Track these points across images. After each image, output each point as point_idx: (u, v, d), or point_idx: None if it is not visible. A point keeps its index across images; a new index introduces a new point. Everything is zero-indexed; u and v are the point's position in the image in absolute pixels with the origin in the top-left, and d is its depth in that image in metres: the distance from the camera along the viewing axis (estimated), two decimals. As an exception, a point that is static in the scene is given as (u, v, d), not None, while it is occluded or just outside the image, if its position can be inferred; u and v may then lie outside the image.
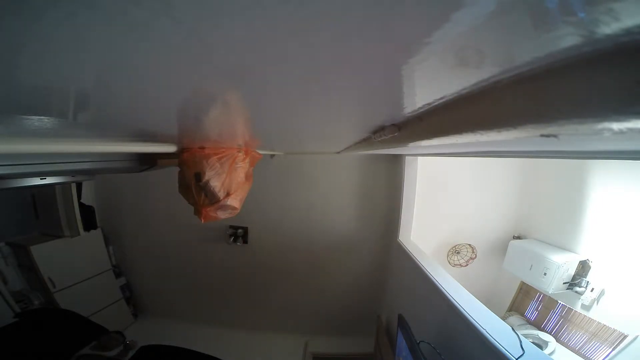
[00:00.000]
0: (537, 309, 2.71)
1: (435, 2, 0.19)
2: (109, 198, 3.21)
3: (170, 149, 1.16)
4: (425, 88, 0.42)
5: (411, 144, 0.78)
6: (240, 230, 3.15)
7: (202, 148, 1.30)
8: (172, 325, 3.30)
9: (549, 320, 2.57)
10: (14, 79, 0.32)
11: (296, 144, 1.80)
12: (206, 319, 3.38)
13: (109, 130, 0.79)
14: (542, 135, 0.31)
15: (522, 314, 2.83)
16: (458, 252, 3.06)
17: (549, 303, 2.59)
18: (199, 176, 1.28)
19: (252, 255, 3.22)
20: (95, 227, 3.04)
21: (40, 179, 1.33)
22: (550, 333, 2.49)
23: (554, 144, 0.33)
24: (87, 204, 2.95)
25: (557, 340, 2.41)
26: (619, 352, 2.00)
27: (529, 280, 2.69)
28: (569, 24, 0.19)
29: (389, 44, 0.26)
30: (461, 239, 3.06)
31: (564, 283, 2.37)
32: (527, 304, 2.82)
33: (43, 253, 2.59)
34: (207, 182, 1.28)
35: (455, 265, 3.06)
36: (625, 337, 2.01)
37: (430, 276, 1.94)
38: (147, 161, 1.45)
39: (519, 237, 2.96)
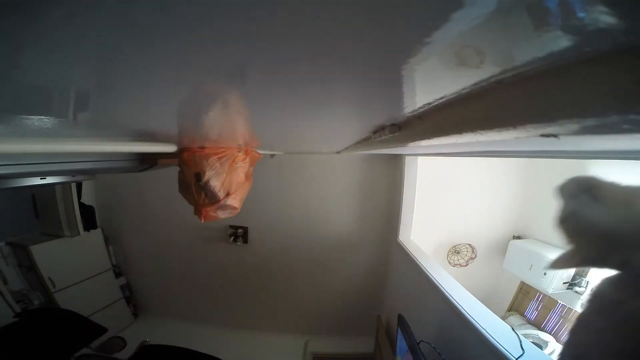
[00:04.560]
0: (537, 309, 2.71)
1: (435, 2, 0.19)
2: (109, 198, 3.21)
3: (170, 148, 1.16)
4: (426, 88, 0.42)
5: (411, 144, 0.78)
6: (240, 230, 3.15)
7: (202, 148, 1.30)
8: (172, 325, 3.29)
9: (549, 320, 2.57)
10: (13, 79, 0.32)
11: (296, 143, 1.80)
12: (206, 319, 3.38)
13: (109, 130, 0.79)
14: (542, 135, 0.31)
15: (522, 314, 2.83)
16: (458, 252, 3.06)
17: (549, 303, 2.59)
18: (199, 176, 1.28)
19: (252, 255, 3.22)
20: (95, 227, 3.04)
21: (40, 179, 1.33)
22: (550, 333, 2.49)
23: (554, 144, 0.33)
24: (87, 204, 2.95)
25: (557, 340, 2.41)
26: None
27: (529, 280, 2.69)
28: (569, 24, 0.19)
29: (389, 43, 0.26)
30: (461, 239, 3.06)
31: (563, 283, 2.37)
32: (527, 304, 2.82)
33: (43, 253, 2.59)
34: (207, 182, 1.28)
35: (455, 265, 3.06)
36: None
37: (430, 276, 1.93)
38: (147, 161, 1.45)
39: (519, 237, 2.96)
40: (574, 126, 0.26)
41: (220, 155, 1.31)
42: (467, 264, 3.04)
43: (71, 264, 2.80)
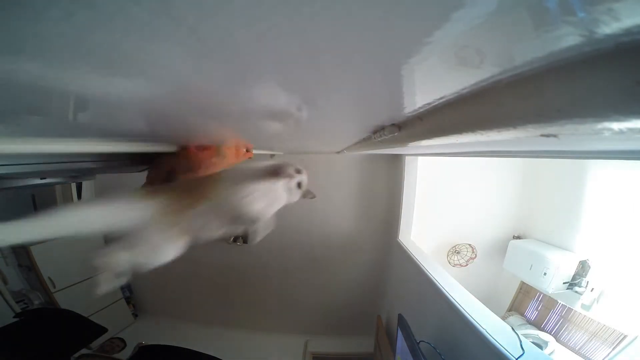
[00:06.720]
0: (537, 309, 2.71)
1: (435, 1, 0.19)
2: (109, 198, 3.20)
3: (170, 148, 1.17)
4: (425, 88, 0.42)
5: (411, 144, 0.78)
6: (240, 230, 3.15)
7: (202, 148, 1.30)
8: (172, 325, 3.30)
9: (548, 320, 2.57)
10: (13, 79, 0.32)
11: (296, 144, 1.80)
12: (206, 319, 3.38)
13: (109, 130, 0.79)
14: (542, 135, 0.31)
15: (522, 314, 2.83)
16: (458, 252, 3.06)
17: (549, 303, 2.59)
18: (199, 176, 1.28)
19: (252, 255, 3.22)
20: (95, 227, 3.03)
21: (40, 178, 1.33)
22: (550, 333, 2.49)
23: (554, 144, 0.33)
24: (87, 204, 2.94)
25: (557, 340, 2.41)
26: (619, 352, 2.00)
27: (529, 280, 2.69)
28: (569, 24, 0.19)
29: (389, 43, 0.26)
30: (461, 239, 3.06)
31: (563, 283, 2.37)
32: (527, 304, 2.82)
33: (43, 253, 2.59)
34: (207, 182, 1.28)
35: (455, 265, 3.06)
36: (625, 337, 2.01)
37: (430, 276, 1.94)
38: (147, 161, 1.45)
39: (519, 237, 2.96)
40: (574, 126, 0.26)
41: (219, 154, 1.31)
42: (467, 264, 3.04)
43: (71, 264, 2.80)
